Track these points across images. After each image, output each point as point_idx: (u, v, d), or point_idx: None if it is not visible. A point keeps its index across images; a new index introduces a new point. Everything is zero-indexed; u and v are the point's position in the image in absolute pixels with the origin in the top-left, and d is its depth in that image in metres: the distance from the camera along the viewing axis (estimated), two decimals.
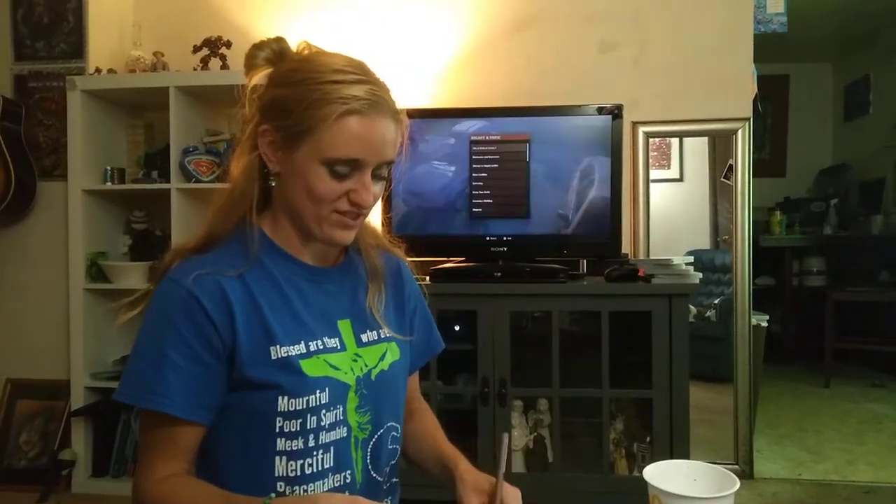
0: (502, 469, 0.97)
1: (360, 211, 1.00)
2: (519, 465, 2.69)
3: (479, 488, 0.98)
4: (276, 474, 0.96)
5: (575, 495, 2.61)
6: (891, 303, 4.78)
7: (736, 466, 3.11)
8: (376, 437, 1.06)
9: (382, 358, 1.07)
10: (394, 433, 1.10)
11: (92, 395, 3.05)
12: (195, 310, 0.94)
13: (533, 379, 2.72)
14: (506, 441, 0.99)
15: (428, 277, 2.68)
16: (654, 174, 4.07)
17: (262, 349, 0.95)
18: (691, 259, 2.87)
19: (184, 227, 2.96)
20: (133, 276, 3.04)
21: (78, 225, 3.01)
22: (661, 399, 2.62)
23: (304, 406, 0.96)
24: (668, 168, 6.22)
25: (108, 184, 3.07)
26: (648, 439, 2.67)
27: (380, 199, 1.05)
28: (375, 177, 1.00)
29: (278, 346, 0.96)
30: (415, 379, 1.25)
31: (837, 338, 4.77)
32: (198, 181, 2.98)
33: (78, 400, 3.01)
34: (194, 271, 0.96)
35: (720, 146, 5.85)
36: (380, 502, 1.06)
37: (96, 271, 3.06)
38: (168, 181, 2.97)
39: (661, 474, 0.95)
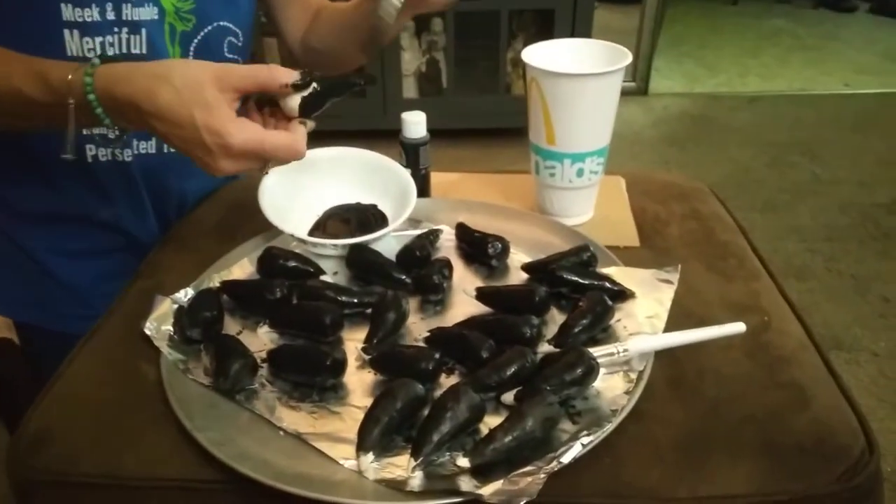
0: None
1: None
2: (411, 91, 2.55)
3: None
4: (69, 53, 0.75)
5: (470, 118, 2.55)
6: None
7: (632, 83, 3.10)
8: (202, 35, 0.83)
9: None
10: (232, 39, 0.87)
11: None
12: None
13: None
14: None
15: None
16: None
17: None
18: None
19: None
20: None
21: None
22: (563, 12, 2.41)
23: None
24: None
25: None
26: None
27: None
28: None
29: None
30: None
31: None
32: None
33: None
34: None
35: None
36: None
37: None
38: None
39: (543, 55, 0.78)
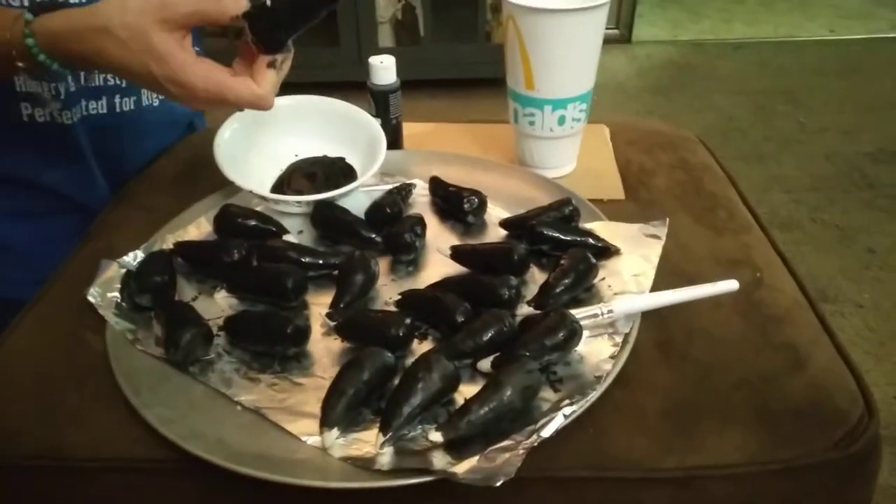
0: None
1: None
2: (387, 40, 2.45)
3: None
4: None
5: (448, 68, 2.46)
6: None
7: (616, 31, 3.01)
8: None
9: None
10: None
11: None
12: None
13: None
14: None
15: None
16: None
17: None
18: None
19: None
20: None
21: None
22: None
23: None
24: None
25: None
26: None
27: None
28: None
29: None
30: None
31: None
32: None
33: None
34: None
35: None
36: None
37: None
38: None
39: None
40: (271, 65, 0.59)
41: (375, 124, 0.75)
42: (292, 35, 0.59)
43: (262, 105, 0.60)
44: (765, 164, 2.18)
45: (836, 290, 1.64)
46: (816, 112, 2.51)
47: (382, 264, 0.62)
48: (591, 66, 0.73)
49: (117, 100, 0.78)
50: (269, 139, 0.74)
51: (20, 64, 0.59)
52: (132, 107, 0.79)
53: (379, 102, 0.78)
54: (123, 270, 0.61)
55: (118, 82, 0.77)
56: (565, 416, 0.46)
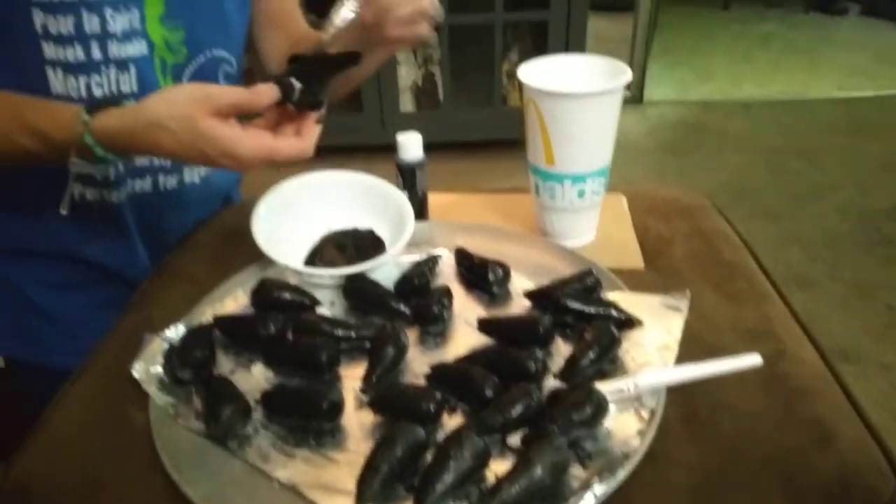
0: None
1: None
2: (408, 105, 2.53)
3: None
4: (53, 92, 0.73)
5: (467, 131, 2.53)
6: None
7: (627, 92, 3.09)
8: (195, 65, 0.81)
9: None
10: (226, 67, 0.85)
11: None
12: None
13: None
14: None
15: None
16: None
17: None
18: None
19: None
20: None
21: None
22: (557, 22, 2.39)
23: None
24: None
25: None
26: None
27: None
28: None
29: None
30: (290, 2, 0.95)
31: None
32: None
33: None
34: None
35: None
36: None
37: None
38: None
39: (540, 73, 0.76)
40: (318, 120, 0.68)
41: (403, 198, 0.78)
42: (325, 90, 0.70)
43: (305, 156, 0.66)
44: (780, 222, 2.20)
45: (859, 350, 1.63)
46: (828, 169, 2.54)
47: (411, 335, 0.64)
48: (609, 142, 0.76)
49: (161, 178, 0.82)
50: (303, 213, 0.78)
51: (75, 161, 0.65)
52: (175, 185, 0.84)
53: (406, 176, 0.82)
54: (166, 345, 0.63)
55: (162, 162, 0.82)
56: (596, 497, 0.47)
